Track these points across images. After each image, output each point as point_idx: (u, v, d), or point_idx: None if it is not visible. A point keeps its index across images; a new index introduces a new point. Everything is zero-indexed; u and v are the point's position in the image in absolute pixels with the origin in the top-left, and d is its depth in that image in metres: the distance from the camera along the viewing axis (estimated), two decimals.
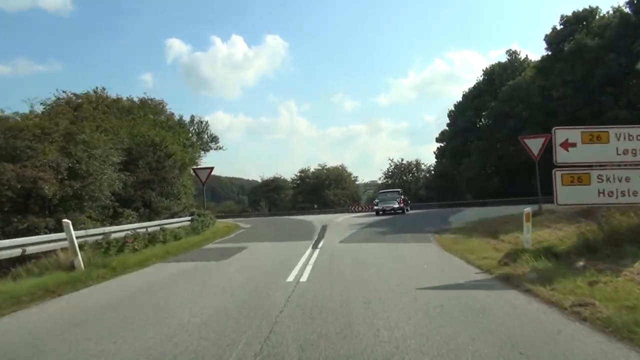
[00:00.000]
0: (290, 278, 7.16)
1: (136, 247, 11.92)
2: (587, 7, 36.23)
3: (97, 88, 23.36)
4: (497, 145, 40.14)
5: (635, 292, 4.93)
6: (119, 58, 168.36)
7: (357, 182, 63.40)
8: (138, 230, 12.92)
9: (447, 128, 50.76)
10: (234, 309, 5.21)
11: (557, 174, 7.72)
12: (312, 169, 59.98)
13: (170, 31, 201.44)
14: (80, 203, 12.26)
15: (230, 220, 31.35)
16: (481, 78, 47.67)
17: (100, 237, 10.97)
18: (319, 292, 5.96)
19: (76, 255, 8.78)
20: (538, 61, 39.07)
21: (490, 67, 47.36)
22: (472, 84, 49.54)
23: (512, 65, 45.52)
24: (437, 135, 53.26)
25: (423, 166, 57.29)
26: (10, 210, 10.68)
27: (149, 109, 26.26)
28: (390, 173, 56.80)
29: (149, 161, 18.58)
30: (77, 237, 9.48)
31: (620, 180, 7.55)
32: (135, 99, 26.73)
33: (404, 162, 57.16)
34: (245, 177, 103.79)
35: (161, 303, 5.83)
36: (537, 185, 15.97)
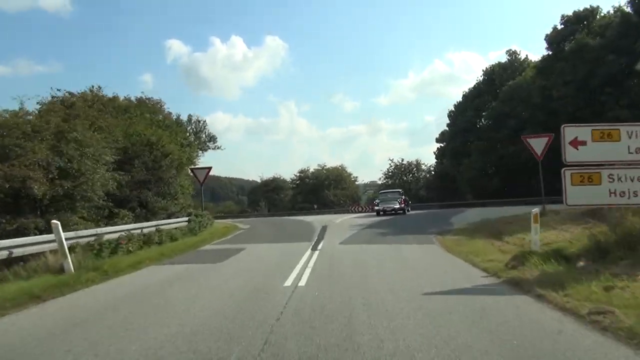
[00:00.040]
0: (288, 282, 6.84)
1: (130, 248, 11.60)
2: (588, 7, 36.00)
3: (92, 87, 23.04)
4: (498, 145, 39.85)
5: None
6: (119, 59, 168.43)
7: (357, 183, 63.13)
8: (132, 231, 12.58)
9: (447, 128, 50.47)
10: (227, 317, 4.88)
11: (567, 174, 7.39)
12: (311, 169, 59.72)
13: (170, 32, 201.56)
14: (73, 203, 11.91)
15: (229, 221, 31.02)
16: (481, 78, 47.36)
17: (92, 238, 10.63)
18: (318, 298, 5.63)
19: (66, 257, 8.45)
20: (539, 61, 38.82)
21: (490, 67, 47.07)
22: (471, 85, 49.28)
23: (512, 65, 45.23)
24: (437, 136, 53.02)
25: (423, 166, 57.06)
26: None
27: (146, 108, 25.89)
28: (390, 173, 56.50)
29: (145, 160, 18.22)
30: (67, 239, 9.17)
31: (632, 180, 7.22)
32: (133, 99, 26.45)
33: (404, 162, 56.93)
34: (245, 178, 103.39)
35: (150, 311, 5.47)
36: (541, 185, 15.69)
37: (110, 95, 23.30)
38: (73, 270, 8.33)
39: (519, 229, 12.27)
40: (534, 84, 36.31)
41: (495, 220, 16.02)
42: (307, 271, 7.79)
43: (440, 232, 14.68)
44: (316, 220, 25.62)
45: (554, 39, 36.28)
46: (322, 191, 54.53)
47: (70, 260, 8.47)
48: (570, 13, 36.34)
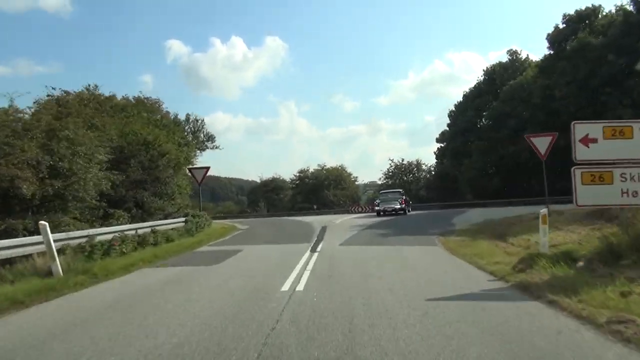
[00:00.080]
0: (286, 286, 6.50)
1: (124, 250, 11.27)
2: (590, 6, 35.73)
3: (89, 85, 22.72)
4: (498, 145, 39.52)
5: None
6: (119, 59, 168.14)
7: (356, 183, 62.71)
8: (127, 232, 12.25)
9: (447, 128, 50.12)
10: (219, 326, 4.54)
11: (577, 172, 7.08)
12: (311, 169, 59.31)
13: (170, 32, 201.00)
14: (64, 204, 11.56)
15: (228, 221, 30.68)
16: (482, 78, 47.04)
17: (83, 240, 10.30)
18: (317, 305, 5.29)
19: (54, 260, 8.12)
20: (540, 60, 38.54)
21: (491, 67, 46.73)
22: (471, 85, 49.03)
23: (513, 65, 44.89)
24: (437, 136, 52.59)
25: (424, 166, 56.68)
26: None
27: (144, 107, 25.54)
28: (390, 173, 56.09)
29: (141, 160, 17.87)
30: (57, 240, 8.85)
31: None
32: (131, 98, 26.09)
33: (405, 162, 56.56)
34: (245, 178, 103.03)
35: (137, 319, 5.11)
36: (545, 185, 15.38)
37: (107, 94, 23.02)
38: (62, 274, 8.01)
39: (522, 229, 11.98)
40: (534, 84, 36.03)
41: (498, 221, 15.73)
42: (306, 274, 7.47)
43: (442, 233, 14.38)
44: (316, 220, 25.29)
45: (556, 38, 35.99)
46: (322, 191, 54.11)
47: (58, 262, 8.14)
48: (572, 12, 36.13)
